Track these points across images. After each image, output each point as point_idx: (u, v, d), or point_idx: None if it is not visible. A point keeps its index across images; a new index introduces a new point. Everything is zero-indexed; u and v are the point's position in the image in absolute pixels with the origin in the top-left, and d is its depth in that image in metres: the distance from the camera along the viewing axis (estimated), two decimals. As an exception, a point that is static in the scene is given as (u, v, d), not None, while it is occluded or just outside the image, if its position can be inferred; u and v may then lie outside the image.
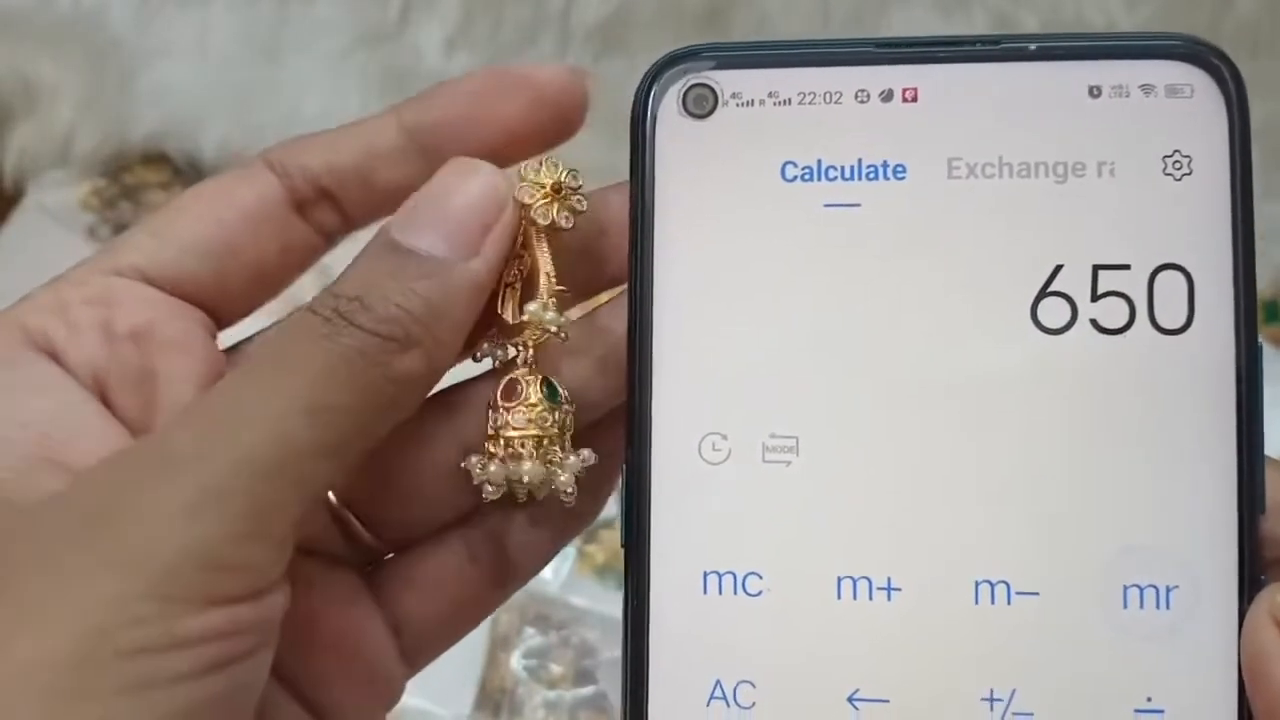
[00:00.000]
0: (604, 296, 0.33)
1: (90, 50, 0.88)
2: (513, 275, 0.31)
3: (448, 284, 0.29)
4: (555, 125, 0.32)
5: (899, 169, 0.30)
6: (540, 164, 0.31)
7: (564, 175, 0.31)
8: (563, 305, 0.31)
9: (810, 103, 0.30)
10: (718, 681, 0.30)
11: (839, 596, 0.30)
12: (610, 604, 0.67)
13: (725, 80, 0.30)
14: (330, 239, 0.33)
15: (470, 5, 0.86)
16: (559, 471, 0.31)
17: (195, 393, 0.30)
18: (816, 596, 0.30)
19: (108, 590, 0.25)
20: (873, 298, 0.30)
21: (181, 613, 0.25)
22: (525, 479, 0.31)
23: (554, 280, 0.31)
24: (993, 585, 0.29)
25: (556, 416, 0.31)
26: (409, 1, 0.87)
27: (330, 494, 0.32)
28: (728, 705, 0.30)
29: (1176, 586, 0.29)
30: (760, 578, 0.30)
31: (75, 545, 0.26)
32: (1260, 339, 0.29)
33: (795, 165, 0.30)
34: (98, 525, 0.26)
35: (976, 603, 0.29)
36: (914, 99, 0.30)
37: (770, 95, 0.30)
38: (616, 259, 0.32)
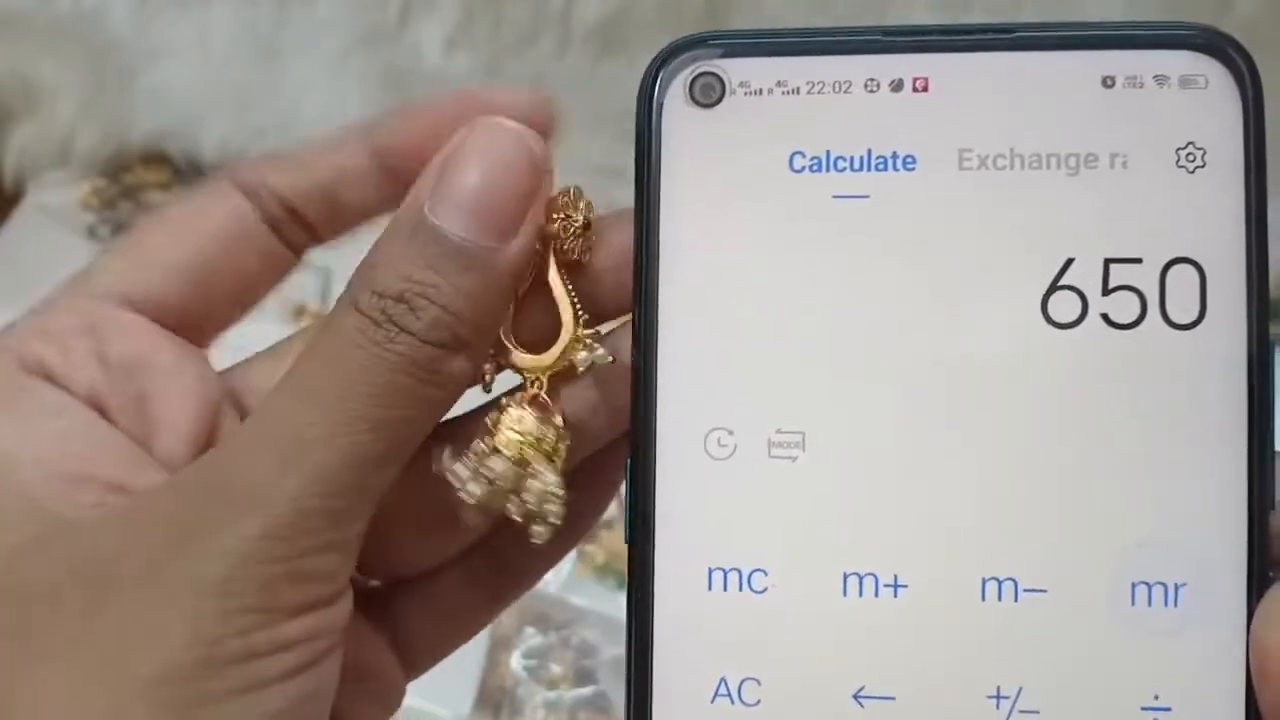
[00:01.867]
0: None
1: (90, 50, 0.88)
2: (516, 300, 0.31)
3: (490, 276, 0.28)
4: None
5: (909, 160, 0.29)
6: (570, 195, 0.30)
7: (587, 209, 0.30)
8: (597, 339, 0.31)
9: (819, 92, 0.29)
10: (723, 679, 0.29)
11: (845, 593, 0.29)
12: (610, 604, 0.67)
13: (733, 69, 0.30)
14: (300, 254, 0.33)
15: (470, 5, 0.86)
16: (534, 483, 0.30)
17: (192, 415, 0.30)
18: (822, 593, 0.29)
19: (213, 606, 0.26)
20: (881, 291, 0.29)
21: (281, 620, 0.27)
22: (529, 494, 0.30)
23: (582, 317, 0.30)
24: (1000, 582, 0.29)
25: (563, 449, 0.30)
26: (409, 1, 0.86)
27: None
28: (733, 702, 0.29)
29: (1185, 584, 0.28)
30: (765, 574, 0.29)
31: (172, 568, 0.27)
32: (1272, 335, 0.29)
33: (804, 156, 0.29)
34: (189, 549, 0.27)
35: (983, 599, 0.29)
36: (924, 89, 0.29)
37: (779, 84, 0.30)
38: (617, 293, 0.31)
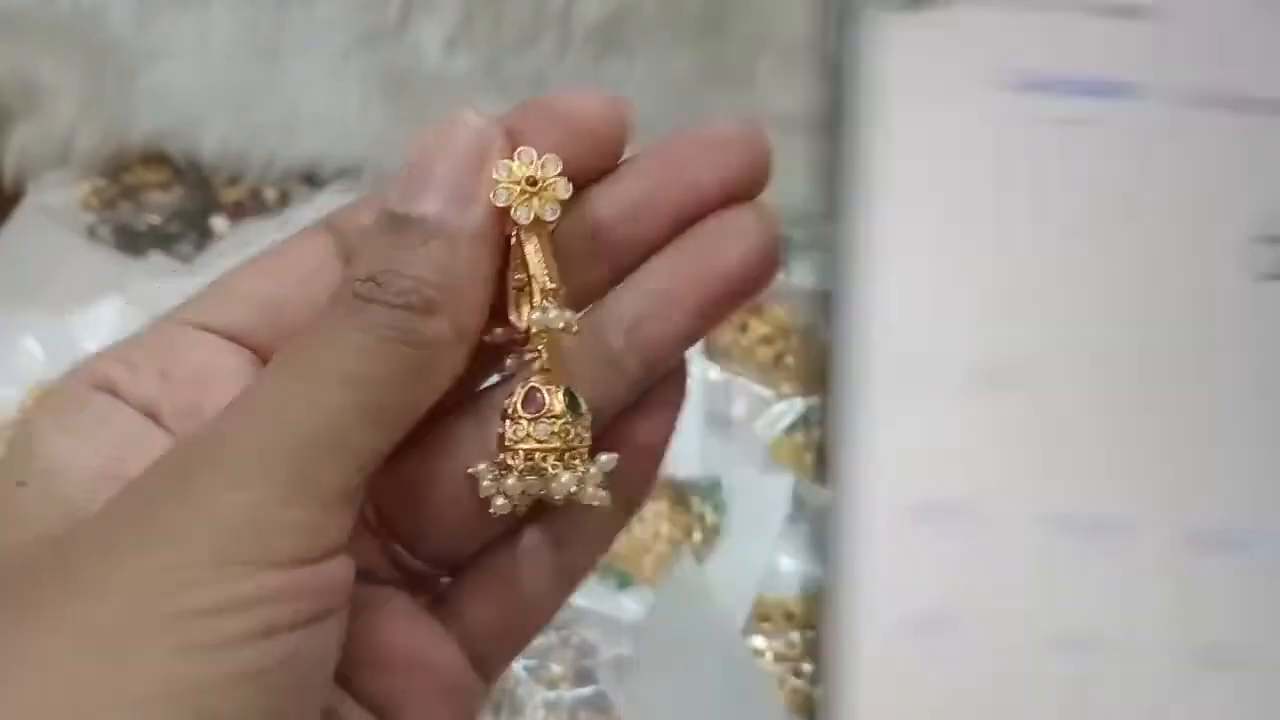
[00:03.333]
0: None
1: (90, 50, 0.86)
2: (519, 279, 0.30)
3: (453, 243, 0.28)
4: (593, 158, 0.30)
5: (1134, 90, 0.27)
6: (513, 160, 0.29)
7: (538, 166, 0.29)
8: (561, 301, 0.29)
9: (1044, 9, 0.28)
10: (921, 613, 0.29)
11: (1052, 535, 0.28)
12: (610, 604, 0.66)
13: None
14: None
15: (470, 5, 0.84)
16: (586, 483, 0.30)
17: None
18: (1030, 535, 0.29)
19: (161, 558, 0.25)
20: (1089, 225, 0.27)
21: (237, 574, 0.25)
22: (556, 495, 0.29)
23: (548, 279, 0.29)
24: (1209, 532, 0.28)
25: (578, 430, 0.30)
26: (409, 1, 0.85)
27: (371, 522, 0.32)
28: (928, 640, 0.28)
29: None
30: (971, 511, 0.28)
31: (127, 526, 0.26)
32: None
33: (1019, 75, 0.28)
34: (148, 507, 0.26)
35: (1193, 551, 0.28)
36: (1155, 16, 0.27)
37: None
38: (610, 261, 0.31)
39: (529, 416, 0.30)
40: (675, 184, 0.30)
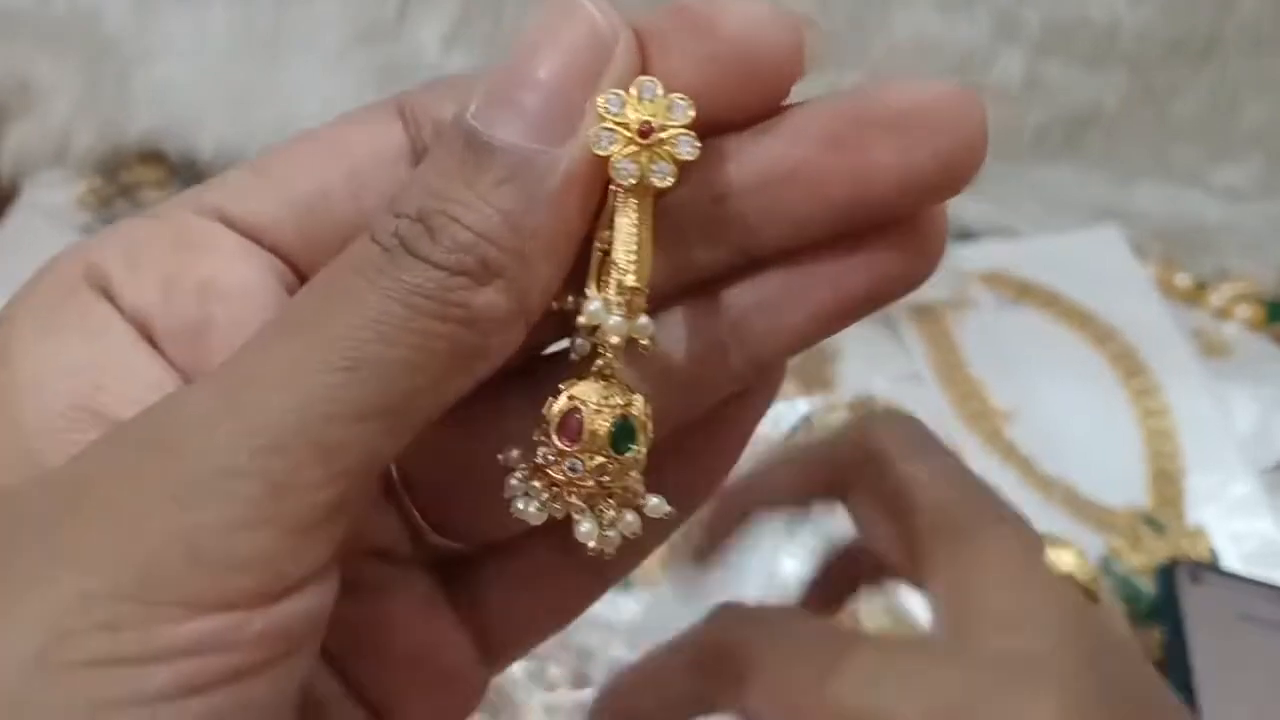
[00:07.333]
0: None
1: (87, 49, 0.84)
2: (606, 239, 0.23)
3: (534, 188, 0.22)
4: (746, 94, 0.23)
5: None
6: (625, 94, 0.22)
7: (660, 108, 0.21)
8: (638, 304, 0.22)
9: None
10: None
11: None
12: (608, 606, 0.66)
13: None
14: None
15: (469, 2, 0.83)
16: (609, 530, 0.23)
17: None
18: None
19: (72, 587, 0.20)
20: None
21: (164, 617, 0.20)
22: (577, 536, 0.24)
23: (631, 271, 0.22)
24: None
25: (616, 469, 0.23)
26: None
27: (398, 490, 0.27)
28: None
29: None
30: None
31: (46, 536, 0.21)
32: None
33: None
34: (71, 515, 0.21)
35: None
36: None
37: None
38: (733, 241, 0.23)
39: (562, 447, 0.23)
40: (845, 158, 0.23)
